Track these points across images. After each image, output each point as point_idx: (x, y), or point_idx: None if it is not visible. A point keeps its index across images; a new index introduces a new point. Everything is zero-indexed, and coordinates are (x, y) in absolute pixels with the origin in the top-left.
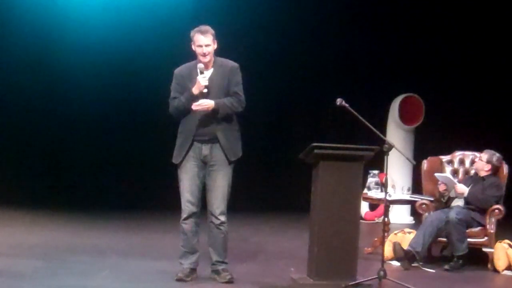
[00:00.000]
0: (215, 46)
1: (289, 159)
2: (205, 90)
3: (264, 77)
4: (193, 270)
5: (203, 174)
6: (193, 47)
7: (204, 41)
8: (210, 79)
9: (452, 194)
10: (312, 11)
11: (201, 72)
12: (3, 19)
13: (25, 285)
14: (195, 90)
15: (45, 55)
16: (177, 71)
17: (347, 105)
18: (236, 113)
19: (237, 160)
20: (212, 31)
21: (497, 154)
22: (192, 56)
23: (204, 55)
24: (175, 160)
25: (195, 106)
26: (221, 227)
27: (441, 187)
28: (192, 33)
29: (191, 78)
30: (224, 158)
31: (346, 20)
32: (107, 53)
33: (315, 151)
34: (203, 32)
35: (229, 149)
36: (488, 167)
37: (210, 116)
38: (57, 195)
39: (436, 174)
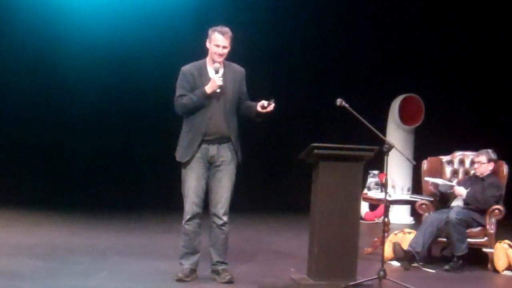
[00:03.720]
0: (229, 48)
1: (289, 159)
2: (218, 90)
3: (264, 77)
4: (193, 271)
5: (208, 175)
6: (207, 44)
7: (223, 42)
8: (223, 80)
9: (442, 188)
10: (312, 10)
11: (217, 72)
12: (3, 19)
13: (25, 285)
14: (208, 89)
15: (45, 55)
16: (185, 68)
17: (347, 105)
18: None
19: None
20: (231, 34)
21: (488, 150)
22: (194, 54)
23: (220, 55)
24: (181, 158)
25: (210, 85)
26: (223, 228)
27: (432, 188)
28: (211, 31)
29: (202, 76)
30: (231, 159)
31: (346, 20)
32: (107, 53)
33: (315, 151)
34: (223, 33)
35: (238, 150)
36: (492, 165)
37: (222, 116)
38: (57, 195)
39: (427, 178)
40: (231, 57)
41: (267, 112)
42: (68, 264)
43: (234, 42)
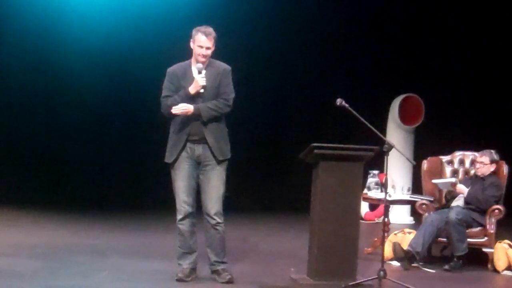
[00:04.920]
0: (214, 49)
1: (289, 159)
2: (202, 90)
3: (264, 77)
4: (193, 270)
5: (197, 174)
6: (191, 45)
7: (205, 43)
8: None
9: (441, 186)
10: (312, 10)
11: (199, 72)
12: (3, 19)
13: (25, 285)
14: (192, 90)
15: (44, 55)
16: (170, 69)
17: (347, 105)
18: (223, 114)
19: (227, 160)
20: (215, 34)
21: (492, 150)
22: (189, 56)
23: (204, 56)
24: (167, 159)
25: (175, 109)
26: (218, 227)
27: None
28: (194, 31)
29: (186, 77)
30: (217, 158)
31: (346, 20)
32: (106, 54)
33: (315, 151)
34: (206, 34)
35: (217, 149)
36: (494, 166)
37: (199, 117)
38: (57, 195)
39: (434, 181)
40: (230, 56)
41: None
42: (68, 264)
43: (234, 41)
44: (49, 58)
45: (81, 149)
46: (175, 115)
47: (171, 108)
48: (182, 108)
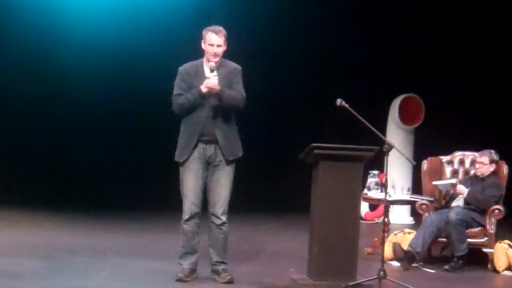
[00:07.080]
0: (225, 48)
1: (289, 159)
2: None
3: (264, 77)
4: (193, 271)
5: (206, 175)
6: (203, 45)
7: (216, 41)
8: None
9: (441, 187)
10: (312, 10)
11: (212, 71)
12: (3, 19)
13: (25, 285)
14: (204, 88)
15: (45, 55)
16: (182, 68)
17: (347, 105)
18: (237, 109)
19: (237, 159)
20: (225, 33)
21: (491, 150)
22: (193, 55)
23: (215, 54)
24: (178, 158)
25: (205, 84)
26: (223, 227)
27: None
28: (204, 31)
29: (198, 76)
30: (226, 158)
31: (346, 20)
32: (108, 53)
33: (315, 151)
34: (216, 32)
35: (227, 148)
36: (493, 166)
37: (212, 115)
38: (57, 195)
39: (435, 183)
40: (231, 56)
41: (211, 88)
42: (68, 264)
43: (234, 41)
44: (48, 58)
45: (81, 149)
46: (187, 114)
47: (183, 106)
48: (212, 82)
